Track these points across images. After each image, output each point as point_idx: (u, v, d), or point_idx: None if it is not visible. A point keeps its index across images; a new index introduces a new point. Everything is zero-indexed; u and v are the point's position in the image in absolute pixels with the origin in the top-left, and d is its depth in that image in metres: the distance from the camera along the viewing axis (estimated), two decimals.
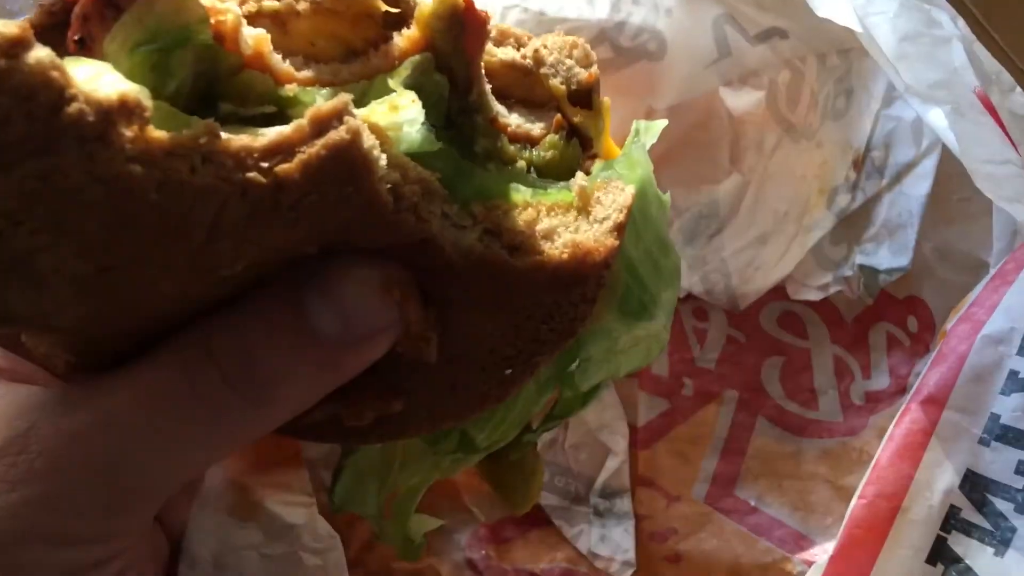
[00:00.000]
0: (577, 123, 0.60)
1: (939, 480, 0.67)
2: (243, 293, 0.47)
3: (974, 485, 0.67)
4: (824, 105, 0.91)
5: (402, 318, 0.50)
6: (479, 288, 0.51)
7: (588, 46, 0.62)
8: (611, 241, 0.52)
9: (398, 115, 0.47)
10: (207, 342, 0.47)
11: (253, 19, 0.49)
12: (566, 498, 0.94)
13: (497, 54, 0.58)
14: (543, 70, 0.59)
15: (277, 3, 0.50)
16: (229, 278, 0.45)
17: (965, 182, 0.83)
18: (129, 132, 0.38)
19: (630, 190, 0.55)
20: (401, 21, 0.53)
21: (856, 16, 0.72)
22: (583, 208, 0.54)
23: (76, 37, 0.44)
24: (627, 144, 0.62)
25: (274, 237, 0.44)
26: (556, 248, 0.51)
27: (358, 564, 0.90)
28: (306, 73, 0.50)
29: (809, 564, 0.74)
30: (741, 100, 0.98)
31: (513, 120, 0.58)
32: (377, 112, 0.47)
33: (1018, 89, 0.71)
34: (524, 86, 0.60)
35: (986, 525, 0.66)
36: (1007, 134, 0.65)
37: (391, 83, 0.49)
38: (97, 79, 0.39)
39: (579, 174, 0.55)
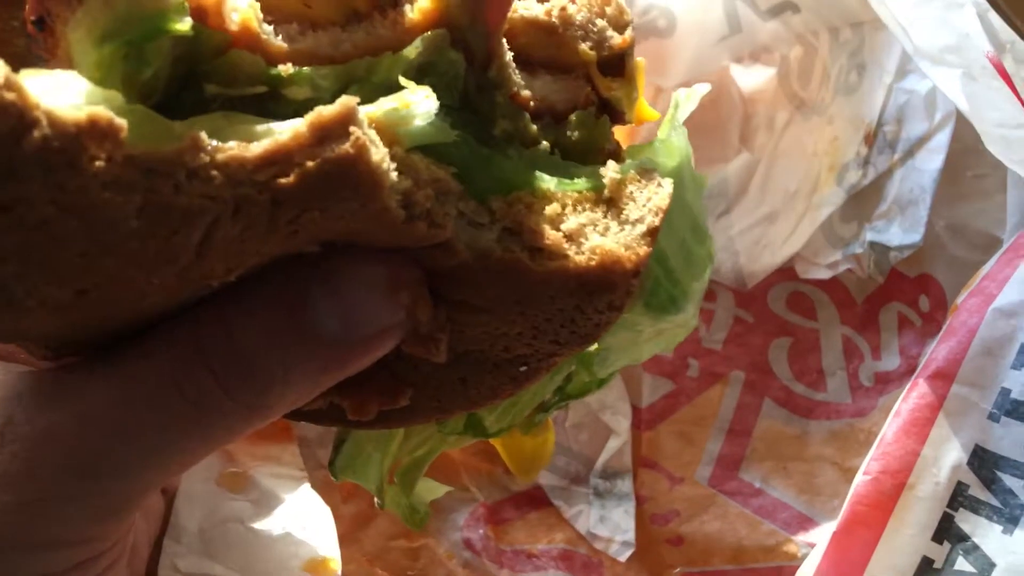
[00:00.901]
0: (608, 96, 0.53)
1: (946, 456, 0.65)
2: (237, 284, 0.42)
3: (983, 461, 0.65)
4: (836, 80, 0.89)
5: (409, 318, 0.47)
6: (495, 290, 0.47)
7: (623, 2, 0.54)
8: (644, 249, 0.48)
9: (410, 110, 0.42)
10: (197, 339, 0.43)
11: None
12: (566, 478, 0.93)
13: (518, 9, 0.50)
14: (571, 32, 0.51)
15: None
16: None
17: (980, 158, 0.81)
18: (102, 155, 0.33)
19: (667, 188, 0.50)
20: None
21: None
22: (614, 203, 0.49)
23: (33, 17, 0.40)
24: (666, 122, 0.57)
25: (271, 247, 0.40)
26: (582, 253, 0.47)
27: (353, 541, 0.89)
28: (302, 45, 0.44)
29: (813, 546, 0.72)
30: (752, 77, 0.96)
31: (536, 89, 0.51)
32: (386, 110, 0.42)
33: None
34: (548, 47, 0.52)
35: (994, 502, 0.64)
36: (1020, 99, 0.63)
37: (402, 80, 0.44)
38: (61, 93, 0.35)
39: (611, 164, 0.49)
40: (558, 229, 0.47)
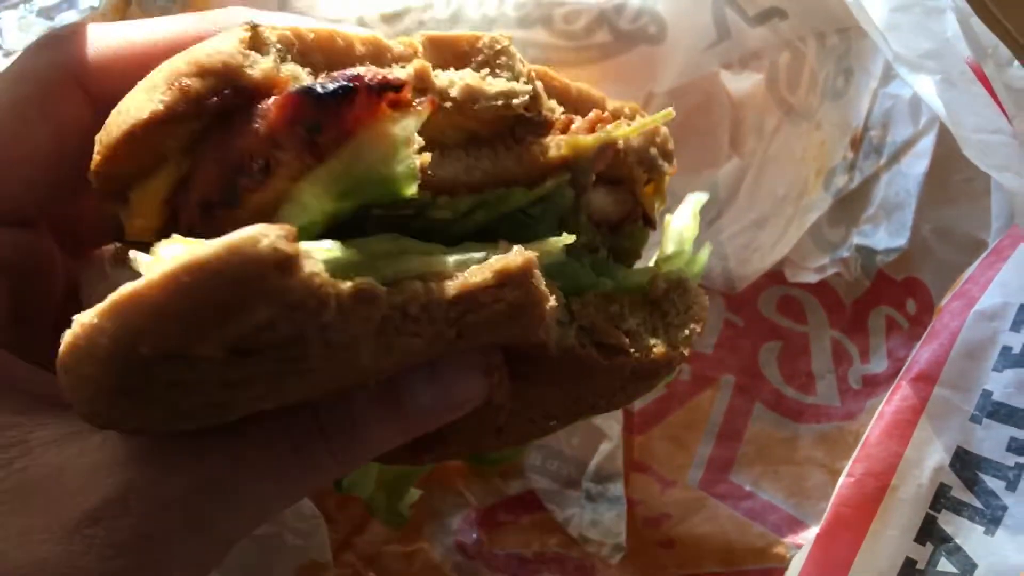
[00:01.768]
0: (646, 206, 0.66)
1: (929, 458, 0.66)
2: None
3: (965, 463, 0.65)
4: (824, 85, 0.90)
5: (489, 394, 0.55)
6: (563, 372, 0.55)
7: (667, 132, 0.67)
8: (686, 351, 0.61)
9: (557, 248, 0.54)
10: (316, 410, 0.52)
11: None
12: (558, 482, 0.93)
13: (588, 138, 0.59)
14: (630, 156, 0.63)
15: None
16: None
17: (966, 162, 0.81)
18: (365, 315, 0.43)
19: (704, 301, 0.65)
20: (527, 121, 0.57)
21: None
22: (658, 305, 0.62)
23: (260, 163, 0.48)
24: (688, 238, 0.71)
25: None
26: (640, 351, 0.58)
27: (347, 547, 0.89)
28: (443, 173, 0.53)
29: (800, 547, 0.73)
30: (741, 83, 0.97)
31: (596, 202, 0.62)
32: (543, 251, 0.52)
33: (1016, 63, 0.69)
34: (610, 165, 0.62)
35: (976, 503, 0.64)
36: (999, 104, 0.64)
37: (557, 242, 0.54)
38: (334, 263, 0.44)
39: (653, 269, 0.62)
40: (620, 328, 0.58)
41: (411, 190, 0.48)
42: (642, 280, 0.62)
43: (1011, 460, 0.64)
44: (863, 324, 0.90)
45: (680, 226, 0.72)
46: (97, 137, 0.52)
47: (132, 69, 0.57)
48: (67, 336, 0.44)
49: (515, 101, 0.56)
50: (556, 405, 0.57)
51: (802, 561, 0.67)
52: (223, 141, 0.50)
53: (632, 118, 0.66)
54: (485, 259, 0.50)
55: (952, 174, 0.82)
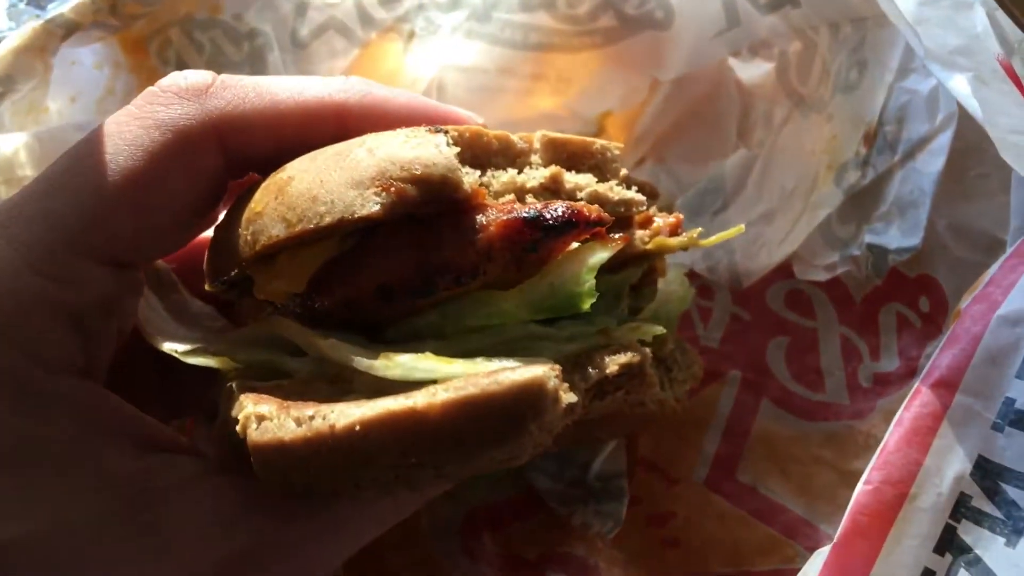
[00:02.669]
0: (660, 271, 0.75)
1: (949, 467, 0.64)
2: None
3: (986, 472, 0.64)
4: (836, 77, 0.88)
5: None
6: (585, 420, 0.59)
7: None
8: (685, 403, 0.72)
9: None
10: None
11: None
12: (560, 482, 0.92)
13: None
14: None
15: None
16: None
17: (983, 158, 0.80)
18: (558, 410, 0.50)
19: (698, 369, 0.77)
20: (621, 219, 0.65)
21: None
22: (662, 361, 0.72)
23: (471, 271, 0.57)
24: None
25: None
26: (654, 404, 0.65)
27: None
28: None
29: (811, 550, 0.71)
30: (750, 72, 0.94)
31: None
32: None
33: None
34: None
35: (998, 514, 0.63)
36: None
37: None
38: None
39: (660, 332, 0.66)
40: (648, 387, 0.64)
41: (587, 305, 0.57)
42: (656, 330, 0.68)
43: None
44: (873, 321, 0.89)
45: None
46: (278, 215, 0.57)
47: (272, 130, 0.63)
48: (305, 429, 0.50)
49: (635, 209, 0.66)
50: (565, 438, 0.58)
51: (818, 569, 0.66)
52: (422, 240, 0.56)
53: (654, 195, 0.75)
54: (601, 342, 0.60)
55: (967, 170, 0.81)
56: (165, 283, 0.74)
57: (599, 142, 0.68)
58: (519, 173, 0.64)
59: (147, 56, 0.87)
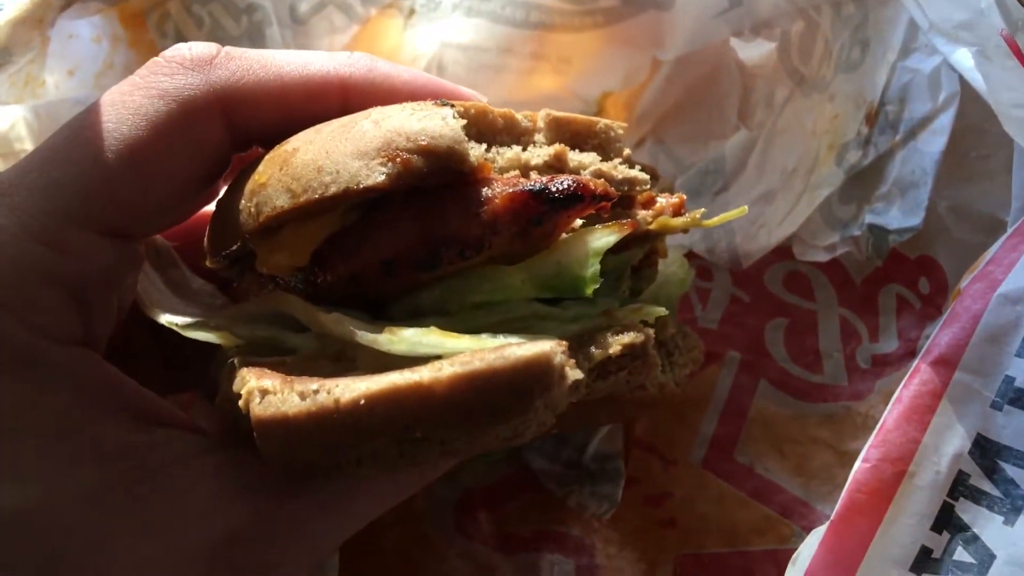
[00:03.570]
0: (660, 253, 0.74)
1: (948, 445, 0.64)
2: None
3: (985, 451, 0.64)
4: (838, 56, 0.87)
5: None
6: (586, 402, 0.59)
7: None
8: (685, 387, 0.73)
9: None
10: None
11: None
12: (557, 462, 0.91)
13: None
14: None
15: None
16: None
17: (984, 138, 0.79)
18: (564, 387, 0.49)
19: (699, 351, 0.78)
20: (624, 198, 0.65)
21: None
22: (664, 345, 0.72)
23: (476, 243, 0.56)
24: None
25: None
26: (655, 387, 0.67)
27: None
28: None
29: (808, 530, 0.71)
30: (752, 52, 0.94)
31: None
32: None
33: None
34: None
35: (996, 492, 0.63)
36: None
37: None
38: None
39: (662, 314, 0.65)
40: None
41: (591, 291, 0.57)
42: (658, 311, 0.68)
43: None
44: (873, 302, 0.89)
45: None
46: (283, 186, 0.57)
47: (276, 103, 0.62)
48: (309, 403, 0.49)
49: (638, 188, 0.66)
50: (564, 420, 0.58)
51: (815, 546, 0.66)
52: (426, 213, 0.56)
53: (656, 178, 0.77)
54: (604, 323, 0.60)
55: (969, 151, 0.80)
56: (165, 260, 0.73)
57: (603, 121, 0.68)
58: (523, 151, 0.64)
59: (146, 29, 0.86)
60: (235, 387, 0.54)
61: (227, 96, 0.61)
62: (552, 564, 0.87)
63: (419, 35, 0.95)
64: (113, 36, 0.85)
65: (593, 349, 0.57)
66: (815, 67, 0.90)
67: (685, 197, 0.70)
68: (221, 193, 0.67)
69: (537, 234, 0.58)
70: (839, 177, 0.87)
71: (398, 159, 0.54)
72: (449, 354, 0.50)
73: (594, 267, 0.58)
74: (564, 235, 0.61)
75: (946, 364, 0.66)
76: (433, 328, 0.54)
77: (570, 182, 0.57)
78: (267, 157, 0.61)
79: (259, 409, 0.51)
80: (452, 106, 0.59)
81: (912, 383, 0.66)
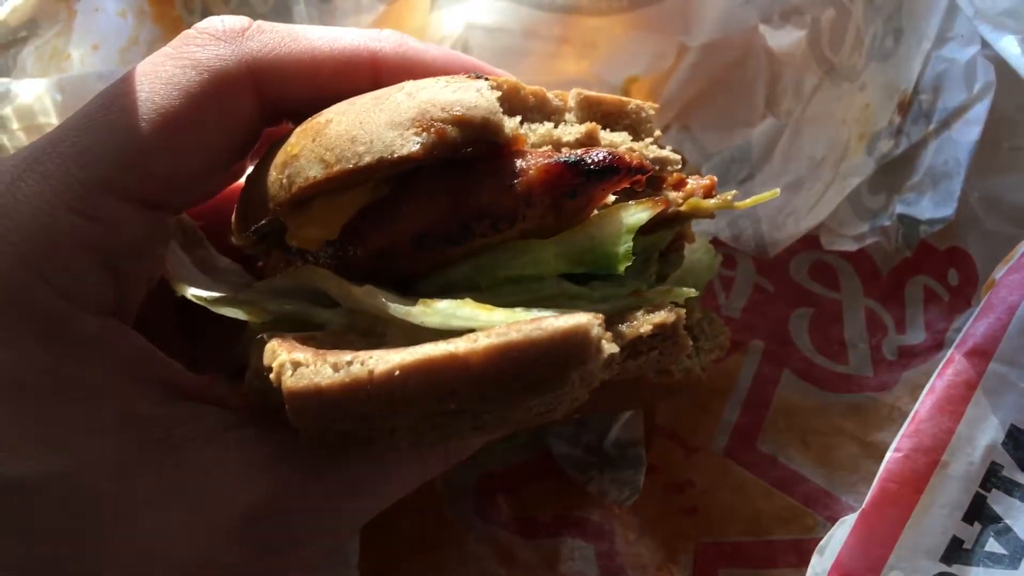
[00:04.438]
0: (687, 238, 0.73)
1: (982, 435, 0.64)
2: None
3: (1018, 442, 0.63)
4: (870, 45, 0.86)
5: None
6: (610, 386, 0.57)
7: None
8: (709, 371, 0.73)
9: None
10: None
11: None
12: (578, 447, 0.91)
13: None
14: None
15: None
16: None
17: (1018, 129, 0.79)
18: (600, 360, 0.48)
19: (725, 337, 0.77)
20: (654, 178, 0.64)
21: None
22: (690, 330, 0.71)
23: (510, 216, 0.55)
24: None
25: None
26: (680, 372, 0.68)
27: None
28: None
29: (832, 520, 0.71)
30: (781, 39, 0.93)
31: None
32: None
33: None
34: None
35: None
36: None
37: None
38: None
39: (689, 302, 0.65)
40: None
41: (623, 267, 0.57)
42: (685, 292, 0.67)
43: None
44: (899, 294, 0.88)
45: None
46: (316, 156, 0.56)
47: (307, 76, 0.62)
48: (343, 375, 0.49)
49: (669, 168, 0.66)
50: (590, 403, 0.57)
51: (844, 535, 0.66)
52: (459, 185, 0.56)
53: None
54: (634, 303, 0.59)
55: (1002, 141, 0.80)
56: (191, 239, 0.73)
57: (634, 102, 0.67)
58: (555, 127, 0.63)
59: (172, 5, 0.85)
60: (265, 360, 0.54)
61: (258, 68, 0.60)
62: (572, 549, 0.87)
63: (444, 16, 0.94)
64: (139, 11, 0.85)
65: (625, 327, 0.56)
66: (846, 56, 0.89)
67: (716, 179, 0.69)
68: (250, 169, 0.66)
69: (571, 208, 0.57)
70: (870, 166, 0.86)
71: (432, 129, 0.54)
72: (483, 326, 0.50)
73: (627, 243, 0.57)
74: (596, 211, 0.60)
75: (981, 355, 0.65)
76: (468, 300, 0.53)
77: (606, 154, 0.56)
78: (299, 129, 0.60)
79: (291, 381, 0.50)
80: (486, 79, 0.58)
81: (946, 373, 0.66)
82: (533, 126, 0.62)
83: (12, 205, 0.53)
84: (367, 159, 0.54)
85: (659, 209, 0.60)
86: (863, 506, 0.65)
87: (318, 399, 0.50)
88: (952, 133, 0.81)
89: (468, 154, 0.55)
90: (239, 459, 0.56)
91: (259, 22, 0.62)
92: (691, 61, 0.97)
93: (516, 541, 0.87)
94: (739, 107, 0.97)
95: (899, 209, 0.85)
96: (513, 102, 0.62)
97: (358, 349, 0.52)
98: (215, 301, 0.63)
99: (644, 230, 0.61)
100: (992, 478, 0.64)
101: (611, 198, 0.60)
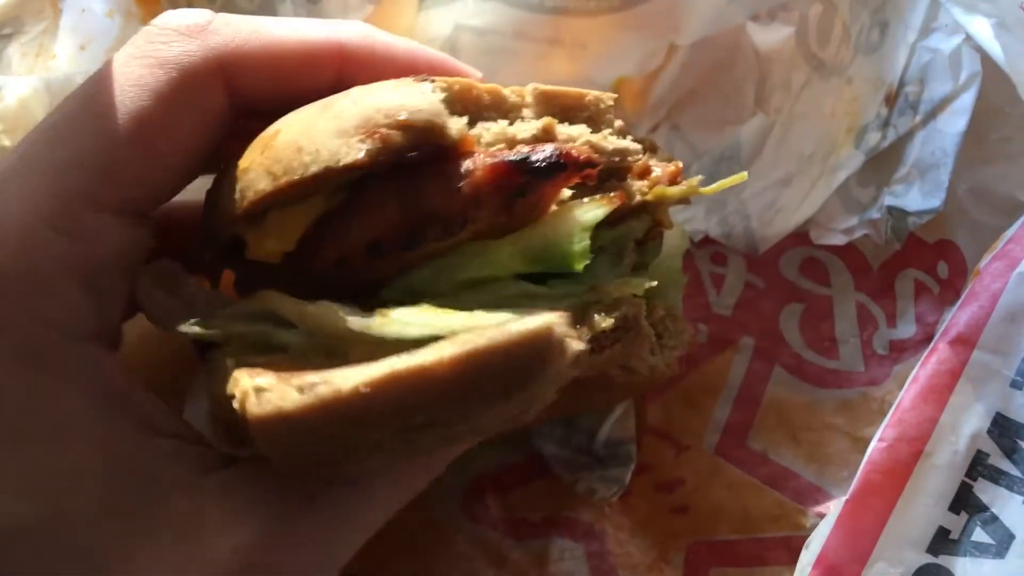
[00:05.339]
0: (664, 224, 0.71)
1: (966, 424, 0.63)
2: None
3: (1004, 430, 0.63)
4: (857, 39, 0.86)
5: None
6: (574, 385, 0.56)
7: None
8: (675, 370, 0.70)
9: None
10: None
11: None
12: (567, 448, 0.90)
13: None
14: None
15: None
16: None
17: (1005, 120, 0.78)
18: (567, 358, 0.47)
19: (686, 334, 0.73)
20: (617, 169, 0.63)
21: None
22: (654, 325, 0.68)
23: (460, 219, 0.54)
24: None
25: None
26: (643, 369, 0.66)
27: None
28: None
29: (823, 517, 0.70)
30: (769, 36, 0.93)
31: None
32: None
33: None
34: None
35: (1015, 472, 0.62)
36: None
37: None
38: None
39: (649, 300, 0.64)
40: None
41: (581, 266, 0.55)
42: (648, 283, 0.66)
43: None
44: (890, 287, 0.87)
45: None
46: (263, 168, 0.55)
47: (273, 67, 0.60)
48: (309, 397, 0.47)
49: (630, 159, 0.63)
50: (558, 405, 0.56)
51: (829, 527, 0.65)
52: (408, 190, 0.55)
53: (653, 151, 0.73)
54: (593, 298, 0.57)
55: (989, 132, 0.79)
56: (170, 276, 0.71)
57: (592, 93, 0.66)
58: (510, 125, 0.61)
59: (159, 5, 0.86)
60: (228, 388, 0.51)
61: (225, 61, 0.59)
62: (562, 550, 0.86)
63: (433, 17, 0.95)
64: (126, 12, 0.85)
65: (587, 323, 0.55)
66: (833, 51, 0.89)
67: (681, 164, 0.68)
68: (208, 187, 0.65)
69: (523, 206, 0.56)
70: (859, 159, 0.86)
71: (377, 135, 0.53)
72: (441, 332, 0.49)
73: (583, 241, 0.56)
74: (553, 207, 0.59)
75: (964, 343, 0.65)
76: (424, 305, 0.52)
77: (552, 150, 0.55)
78: (252, 144, 0.59)
79: (256, 408, 0.48)
80: (433, 81, 0.57)
81: (930, 362, 0.65)
82: (487, 125, 0.60)
83: None
84: (313, 169, 0.53)
85: (615, 204, 0.58)
86: (847, 497, 0.65)
87: (286, 423, 0.47)
88: (938, 124, 0.80)
89: (416, 158, 0.54)
90: (223, 505, 0.53)
91: (222, 14, 0.61)
92: (681, 61, 0.97)
93: (506, 542, 0.87)
94: (729, 105, 0.96)
95: (888, 201, 0.84)
96: (465, 102, 0.60)
97: (322, 369, 0.50)
98: (182, 324, 0.60)
99: (610, 222, 0.60)
100: (978, 466, 0.63)
101: (567, 193, 0.59)
